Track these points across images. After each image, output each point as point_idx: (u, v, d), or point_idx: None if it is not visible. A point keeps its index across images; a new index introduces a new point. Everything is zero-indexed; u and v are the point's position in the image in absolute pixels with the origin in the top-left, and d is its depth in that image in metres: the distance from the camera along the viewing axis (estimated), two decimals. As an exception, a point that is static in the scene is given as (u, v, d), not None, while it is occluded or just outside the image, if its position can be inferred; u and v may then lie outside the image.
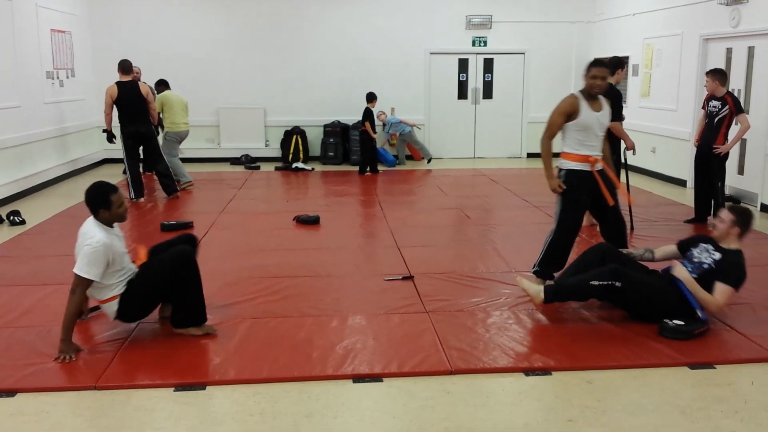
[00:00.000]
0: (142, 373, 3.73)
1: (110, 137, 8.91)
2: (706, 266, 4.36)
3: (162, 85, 10.06)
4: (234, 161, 12.34)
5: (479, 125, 13.07)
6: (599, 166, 4.95)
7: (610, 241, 5.12)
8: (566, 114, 4.90)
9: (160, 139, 9.30)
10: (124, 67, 8.66)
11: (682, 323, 4.14)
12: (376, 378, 3.66)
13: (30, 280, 5.32)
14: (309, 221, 7.35)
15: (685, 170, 9.65)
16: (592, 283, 4.29)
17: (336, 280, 5.38)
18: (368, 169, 11.15)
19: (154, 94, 10.14)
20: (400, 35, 12.57)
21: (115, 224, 4.18)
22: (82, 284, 3.94)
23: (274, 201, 9.09)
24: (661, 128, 10.28)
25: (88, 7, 11.79)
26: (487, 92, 12.98)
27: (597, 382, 3.62)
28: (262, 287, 5.14)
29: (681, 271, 4.36)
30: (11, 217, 7.39)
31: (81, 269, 3.92)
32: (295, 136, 12.23)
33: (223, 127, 12.47)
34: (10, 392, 3.51)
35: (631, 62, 11.27)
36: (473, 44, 12.76)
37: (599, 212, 5.15)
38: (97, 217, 4.07)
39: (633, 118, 10.57)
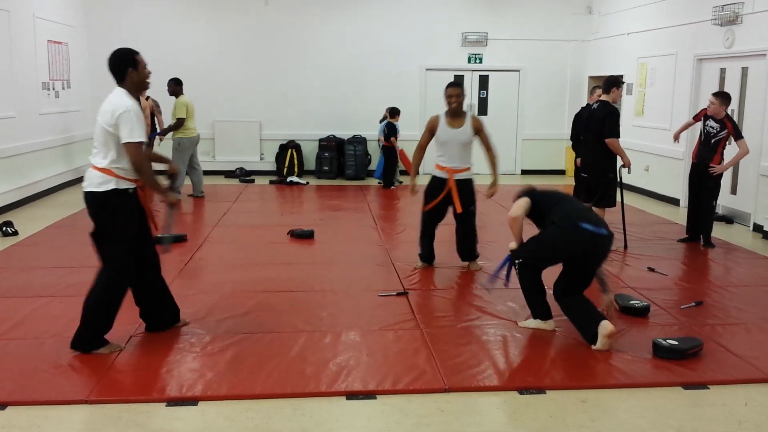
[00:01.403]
0: (134, 387, 3.70)
1: None
2: None
3: (177, 85, 9.70)
4: (229, 174, 12.34)
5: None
6: (459, 176, 5.89)
7: (457, 247, 6.11)
8: (429, 131, 5.90)
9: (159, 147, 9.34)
10: None
11: (676, 343, 4.15)
12: (369, 395, 3.65)
13: (22, 291, 5.29)
14: (303, 235, 7.34)
15: (679, 189, 9.70)
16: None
17: (330, 295, 5.36)
18: (393, 183, 11.30)
19: (158, 108, 10.18)
20: (397, 51, 12.63)
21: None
22: (139, 149, 3.91)
23: (268, 215, 9.08)
24: (654, 147, 10.34)
25: (85, 19, 11.81)
26: (482, 109, 13.04)
27: (591, 402, 3.62)
28: (255, 302, 5.12)
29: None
30: (4, 228, 7.35)
31: (132, 135, 3.88)
32: (290, 150, 12.25)
33: (219, 140, 12.47)
34: (1, 405, 3.48)
35: (625, 81, 11.35)
36: (469, 61, 12.84)
37: (456, 217, 5.94)
38: (123, 83, 4.05)
39: (627, 137, 10.59)
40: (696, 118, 7.36)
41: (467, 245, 6.06)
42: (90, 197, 4.04)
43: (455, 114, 5.78)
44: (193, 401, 3.55)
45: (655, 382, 3.84)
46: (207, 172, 12.23)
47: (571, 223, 4.35)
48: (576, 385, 3.79)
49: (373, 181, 12.17)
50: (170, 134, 9.76)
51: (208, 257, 6.51)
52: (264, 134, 12.60)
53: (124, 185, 4.03)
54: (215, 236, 7.40)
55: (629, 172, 7.19)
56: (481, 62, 12.87)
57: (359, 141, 12.37)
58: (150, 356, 4.08)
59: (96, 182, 4.01)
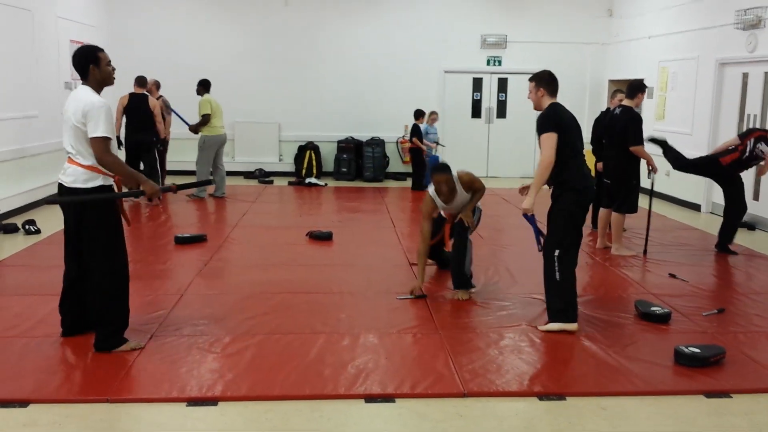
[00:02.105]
0: (154, 386, 3.72)
1: (118, 143, 9.12)
2: (538, 140, 4.77)
3: (203, 87, 9.98)
4: (248, 175, 12.40)
5: (492, 144, 13.09)
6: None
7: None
8: (428, 218, 5.49)
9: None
10: (140, 81, 9.55)
11: (698, 350, 4.11)
12: (388, 398, 3.64)
13: (44, 289, 5.34)
14: (322, 237, 7.36)
15: (700, 194, 9.60)
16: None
17: (348, 297, 5.37)
18: (423, 185, 11.22)
19: (169, 108, 10.30)
20: (416, 53, 12.63)
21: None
22: (105, 145, 3.97)
23: (287, 216, 9.12)
24: (675, 151, 10.23)
25: (107, 20, 11.92)
26: (501, 111, 13.01)
27: (611, 409, 3.59)
28: (274, 303, 5.14)
29: (528, 204, 4.69)
30: (26, 227, 7.44)
31: (96, 130, 3.94)
32: (308, 152, 12.29)
33: (238, 141, 12.55)
34: (24, 402, 3.52)
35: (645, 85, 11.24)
36: (488, 63, 12.81)
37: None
38: (86, 79, 4.11)
39: (647, 141, 10.53)
40: (743, 142, 6.78)
41: (458, 269, 5.40)
42: (77, 193, 4.08)
43: (448, 196, 5.42)
44: (212, 401, 3.57)
45: (677, 390, 3.81)
46: (227, 173, 12.32)
47: (585, 186, 4.72)
48: (596, 391, 3.76)
49: (392, 183, 12.17)
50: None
51: (228, 258, 6.55)
52: (283, 136, 12.65)
53: (109, 181, 4.16)
54: (235, 237, 7.44)
55: (655, 173, 6.99)
56: (500, 65, 12.83)
57: (377, 143, 12.38)
58: (170, 356, 4.10)
59: (82, 179, 4.06)
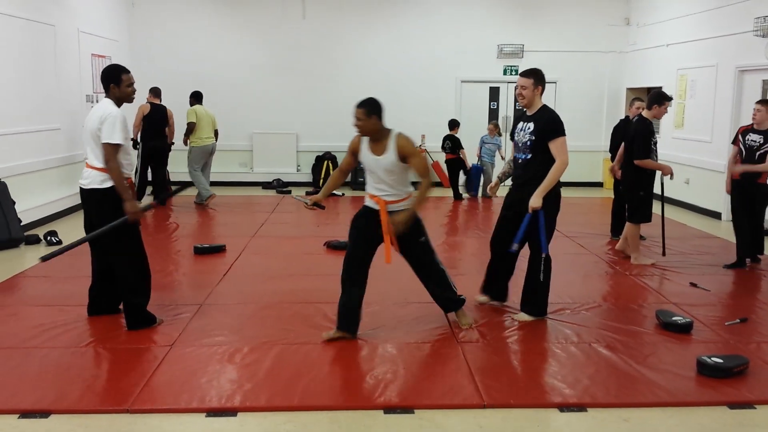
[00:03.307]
0: (174, 397, 3.73)
1: (135, 144, 9.97)
2: (528, 142, 4.80)
3: (194, 98, 10.44)
4: (266, 185, 12.46)
5: (509, 153, 13.03)
6: (393, 207, 4.51)
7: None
8: (351, 152, 4.72)
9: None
10: (157, 92, 10.26)
11: (721, 361, 4.05)
12: (407, 409, 3.63)
13: (65, 300, 5.39)
14: (340, 247, 7.36)
15: (720, 202, 9.50)
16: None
17: (366, 307, 5.30)
18: (460, 194, 11.34)
19: (171, 118, 10.77)
20: (432, 63, 12.65)
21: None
22: (114, 151, 4.43)
23: (304, 226, 9.13)
24: (695, 159, 10.16)
25: (128, 34, 12.07)
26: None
27: (634, 420, 3.54)
28: (292, 313, 5.15)
29: (536, 201, 4.71)
30: (48, 238, 7.53)
31: (110, 137, 4.42)
32: (326, 162, 12.34)
33: (256, 152, 12.62)
34: (45, 413, 3.54)
35: (671, 98, 11.17)
36: (505, 73, 12.80)
37: (405, 257, 4.83)
38: (108, 94, 4.60)
39: (666, 149, 10.48)
40: (736, 143, 6.78)
41: (437, 291, 4.83)
42: (93, 193, 4.56)
43: (374, 138, 4.55)
44: (232, 412, 3.58)
45: (700, 401, 3.75)
46: (245, 184, 12.46)
47: (560, 188, 4.88)
48: (618, 402, 3.72)
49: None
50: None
51: (247, 268, 6.57)
52: (301, 146, 12.71)
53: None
54: (253, 247, 7.47)
55: (671, 179, 6.91)
56: (517, 74, 12.80)
57: (394, 153, 12.37)
58: (190, 366, 4.12)
59: (98, 180, 4.54)
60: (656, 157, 6.68)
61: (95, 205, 4.60)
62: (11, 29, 8.04)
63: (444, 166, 11.83)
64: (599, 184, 12.94)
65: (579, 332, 4.78)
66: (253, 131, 12.59)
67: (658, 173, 6.79)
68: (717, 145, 9.63)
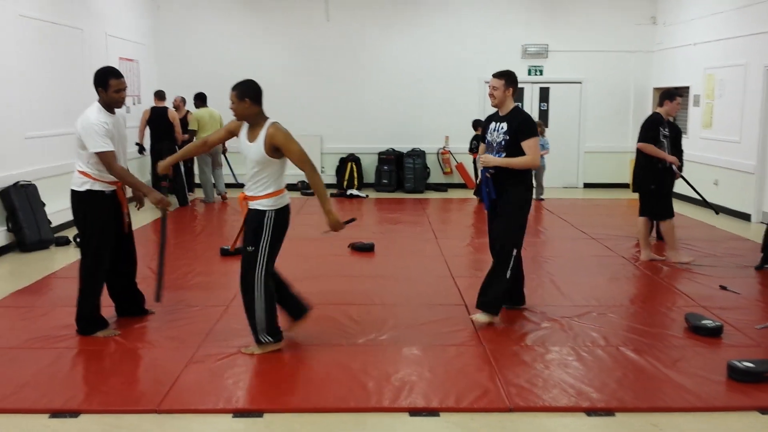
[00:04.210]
0: (201, 398, 3.76)
1: (141, 149, 10.61)
2: (502, 142, 4.83)
3: (198, 100, 10.86)
4: (290, 187, 12.45)
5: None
6: (251, 204, 4.31)
7: None
8: (227, 129, 4.50)
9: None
10: (160, 95, 10.56)
11: (753, 365, 3.98)
12: (432, 412, 3.62)
13: (94, 301, 5.46)
14: (364, 248, 7.38)
15: (750, 204, 9.35)
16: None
17: (390, 308, 5.36)
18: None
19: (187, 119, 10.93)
20: (456, 64, 12.62)
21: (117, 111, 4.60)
22: (110, 157, 4.44)
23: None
24: (723, 160, 10.00)
25: (155, 37, 12.21)
26: (543, 121, 12.87)
27: (663, 425, 3.50)
28: (317, 314, 5.14)
29: (488, 159, 4.84)
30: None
31: (95, 146, 4.41)
32: (350, 163, 12.37)
33: (280, 154, 12.67)
34: (74, 413, 3.59)
35: (691, 92, 11.04)
36: (529, 73, 12.72)
37: None
38: (99, 98, 4.57)
39: (694, 150, 10.34)
40: None
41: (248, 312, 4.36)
42: (72, 195, 4.63)
43: (250, 124, 4.33)
44: (258, 413, 3.60)
45: (731, 406, 3.70)
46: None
47: (531, 183, 4.98)
48: (646, 407, 3.67)
49: (433, 194, 12.15)
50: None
51: (271, 269, 6.60)
52: (325, 148, 12.75)
53: (99, 187, 4.57)
54: (277, 249, 7.49)
55: (681, 170, 6.86)
56: (541, 74, 12.74)
57: (418, 154, 12.38)
58: (216, 367, 4.15)
59: (77, 183, 4.59)
60: (665, 150, 6.62)
61: (73, 206, 4.65)
62: (41, 33, 8.18)
63: (470, 167, 11.79)
64: (625, 185, 12.79)
65: (606, 335, 4.73)
66: (278, 133, 12.64)
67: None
68: (746, 146, 9.47)
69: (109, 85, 4.52)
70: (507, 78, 4.93)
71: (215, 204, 10.87)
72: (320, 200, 4.34)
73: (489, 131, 5.04)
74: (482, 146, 5.27)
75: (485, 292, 4.98)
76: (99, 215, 4.60)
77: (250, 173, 4.29)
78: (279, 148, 4.19)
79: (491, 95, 4.95)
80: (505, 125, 4.89)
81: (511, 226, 4.88)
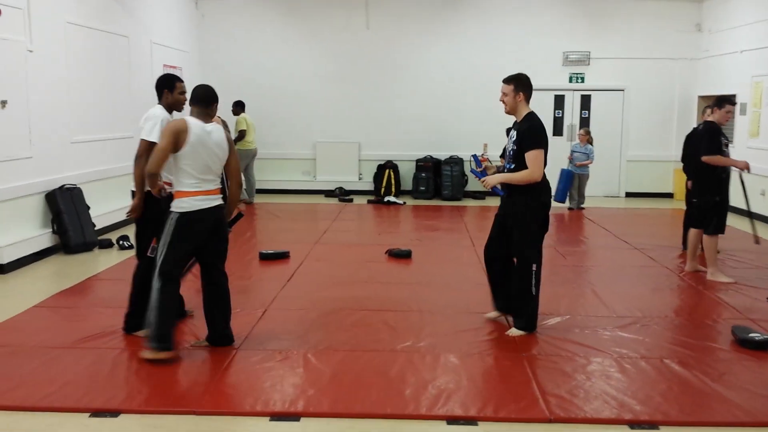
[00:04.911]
0: (239, 400, 3.78)
1: None
2: (511, 151, 4.67)
3: (239, 107, 11.27)
4: (328, 194, 12.58)
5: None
6: None
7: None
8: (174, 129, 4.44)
9: None
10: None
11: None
12: (470, 421, 3.56)
13: (135, 303, 5.53)
14: (401, 255, 7.35)
15: (800, 215, 9.07)
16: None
17: (428, 315, 5.32)
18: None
19: (227, 128, 10.97)
20: (495, 71, 12.40)
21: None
22: (144, 146, 4.47)
23: (366, 234, 9.17)
24: (772, 170, 9.73)
25: (198, 45, 12.42)
26: (587, 129, 12.70)
27: (709, 440, 3.40)
28: (355, 320, 5.15)
29: (488, 181, 4.77)
30: (120, 242, 7.77)
31: (149, 134, 4.46)
32: (387, 170, 12.37)
33: (319, 160, 12.76)
34: (115, 412, 3.63)
35: (738, 101, 10.78)
36: (570, 80, 12.58)
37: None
38: (160, 100, 4.65)
39: (740, 158, 10.04)
40: None
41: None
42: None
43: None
44: (295, 417, 3.59)
45: (781, 423, 3.57)
46: (308, 192, 12.61)
47: (549, 200, 4.77)
48: (692, 421, 3.56)
49: (470, 202, 12.07)
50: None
51: (310, 274, 6.63)
52: (363, 155, 12.78)
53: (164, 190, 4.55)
54: (316, 254, 7.53)
55: (749, 171, 6.55)
56: (582, 82, 12.58)
57: (456, 162, 12.32)
58: (254, 370, 4.16)
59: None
60: None
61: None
62: (88, 40, 8.38)
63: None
64: (669, 195, 12.54)
65: (649, 347, 4.62)
66: (317, 140, 12.73)
67: (733, 180, 6.52)
68: (796, 155, 9.20)
69: (175, 86, 4.70)
70: (516, 82, 4.72)
71: (254, 205, 11.08)
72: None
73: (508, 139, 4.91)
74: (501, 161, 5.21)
75: (519, 314, 4.85)
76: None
77: None
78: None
79: (502, 101, 4.80)
80: (515, 134, 4.75)
81: (523, 240, 4.71)
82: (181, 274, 4.45)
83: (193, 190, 4.20)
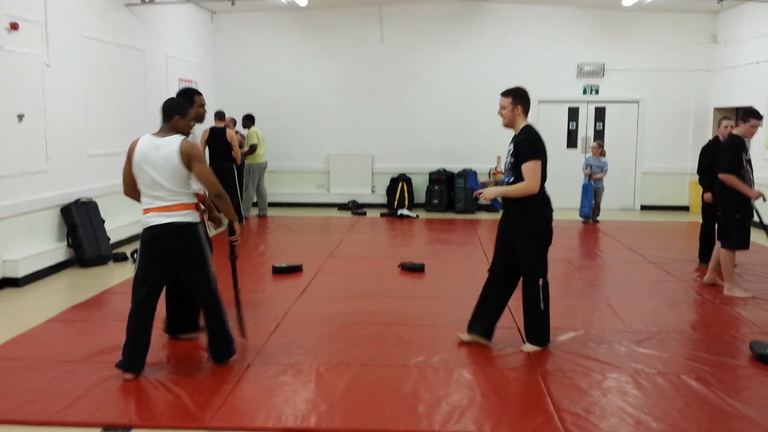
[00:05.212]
0: (251, 415, 3.76)
1: None
2: (509, 163, 4.65)
3: (249, 120, 11.32)
4: (341, 207, 12.59)
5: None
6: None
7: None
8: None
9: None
10: (219, 115, 10.53)
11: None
12: (485, 437, 3.53)
13: (149, 316, 5.54)
14: (414, 269, 7.33)
15: (819, 228, 8.94)
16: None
17: (441, 330, 5.29)
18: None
19: (243, 138, 11.13)
20: (507, 83, 12.31)
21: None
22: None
23: (379, 247, 9.15)
24: (790, 182, 9.61)
25: (213, 58, 12.52)
26: (601, 141, 12.64)
27: (728, 459, 3.33)
28: (368, 334, 5.13)
29: (486, 194, 4.66)
30: (134, 256, 7.80)
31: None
32: (401, 183, 12.37)
33: (333, 173, 12.79)
34: (126, 427, 3.63)
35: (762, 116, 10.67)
36: (584, 92, 12.54)
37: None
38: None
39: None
40: None
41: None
42: None
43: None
44: (307, 433, 3.57)
45: (803, 442, 3.50)
46: (321, 205, 12.64)
47: (551, 213, 4.69)
48: (711, 440, 3.51)
49: (484, 215, 12.03)
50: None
51: (323, 288, 6.62)
52: (376, 167, 12.80)
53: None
54: (329, 267, 7.52)
55: (765, 200, 6.45)
56: (597, 93, 12.53)
57: (469, 175, 12.30)
58: (267, 385, 4.15)
59: None
60: (750, 176, 6.32)
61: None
62: (104, 54, 8.47)
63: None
64: (685, 208, 12.44)
65: (666, 362, 4.56)
66: (330, 153, 12.77)
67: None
68: (814, 167, 9.09)
69: (194, 100, 4.84)
70: (514, 95, 4.71)
71: (267, 218, 11.18)
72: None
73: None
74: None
75: (532, 332, 4.80)
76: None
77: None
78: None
79: (499, 114, 4.77)
80: (512, 146, 4.72)
81: (525, 251, 4.64)
82: (146, 299, 4.29)
83: (144, 207, 4.26)
